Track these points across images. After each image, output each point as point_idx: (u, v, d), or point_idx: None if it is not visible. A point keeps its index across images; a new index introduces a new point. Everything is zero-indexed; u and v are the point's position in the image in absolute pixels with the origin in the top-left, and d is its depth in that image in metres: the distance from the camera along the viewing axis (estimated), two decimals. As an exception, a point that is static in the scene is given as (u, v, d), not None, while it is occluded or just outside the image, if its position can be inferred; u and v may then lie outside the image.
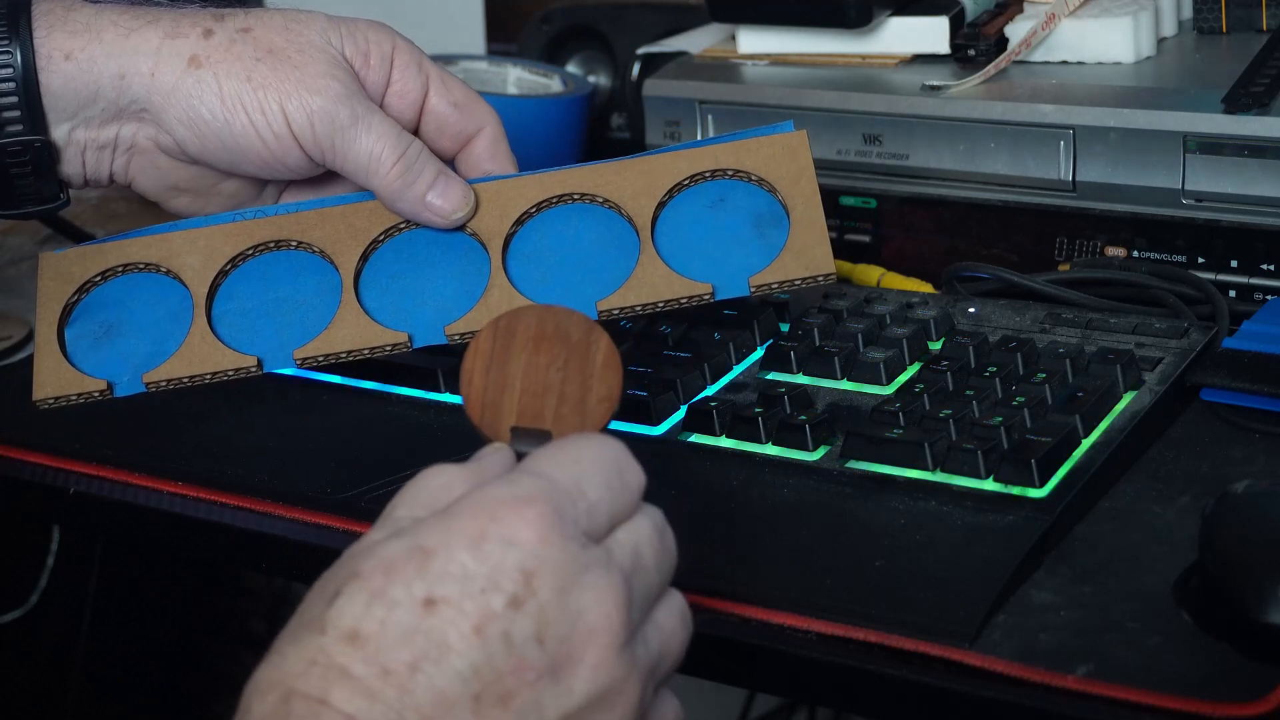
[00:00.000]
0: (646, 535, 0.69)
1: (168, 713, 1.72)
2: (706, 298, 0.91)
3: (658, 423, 0.96)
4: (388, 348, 0.91)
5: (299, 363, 0.91)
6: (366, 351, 0.91)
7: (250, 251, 0.94)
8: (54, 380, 0.92)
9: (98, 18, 0.93)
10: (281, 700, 0.62)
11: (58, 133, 0.93)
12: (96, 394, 0.92)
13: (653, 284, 0.91)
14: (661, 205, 0.93)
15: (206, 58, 0.92)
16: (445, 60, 1.38)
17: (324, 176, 0.98)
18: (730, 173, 0.94)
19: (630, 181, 0.94)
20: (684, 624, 0.70)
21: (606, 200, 0.93)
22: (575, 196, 0.94)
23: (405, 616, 0.62)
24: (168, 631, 1.75)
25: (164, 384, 0.91)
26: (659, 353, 1.01)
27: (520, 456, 0.70)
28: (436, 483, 0.68)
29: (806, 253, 0.91)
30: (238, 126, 0.92)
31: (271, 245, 0.95)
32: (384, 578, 0.63)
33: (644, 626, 0.67)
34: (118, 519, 1.02)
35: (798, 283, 0.91)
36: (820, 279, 0.91)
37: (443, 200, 0.93)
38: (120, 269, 0.95)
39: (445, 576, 0.63)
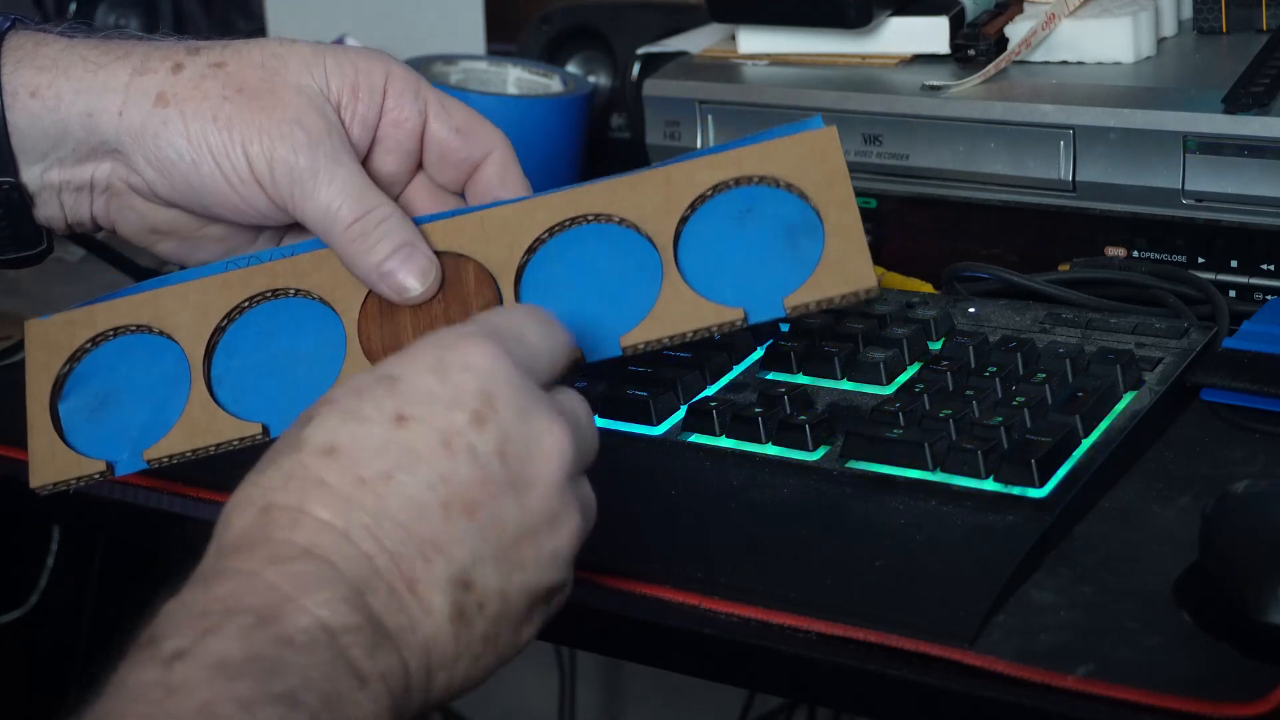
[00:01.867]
0: (583, 408, 0.74)
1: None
2: (739, 324, 0.84)
3: (658, 423, 0.96)
4: None
5: None
6: None
7: (246, 304, 0.88)
8: (50, 464, 0.87)
9: (67, 53, 0.88)
10: (261, 513, 0.67)
11: (29, 175, 0.88)
12: (96, 475, 0.87)
13: (679, 313, 0.84)
14: (684, 221, 0.86)
15: (174, 95, 0.86)
16: (445, 60, 1.38)
17: None
18: (756, 179, 0.86)
19: (648, 196, 0.86)
20: (593, 505, 0.75)
21: (624, 219, 0.86)
22: (589, 218, 0.87)
23: (378, 430, 0.68)
24: (168, 631, 1.74)
25: (166, 460, 0.86)
26: (659, 353, 1.01)
27: None
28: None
29: (844, 266, 0.83)
30: (205, 169, 0.86)
31: (268, 295, 0.88)
32: (355, 399, 0.68)
33: (580, 481, 0.73)
34: (118, 519, 1.02)
35: (836, 300, 0.83)
36: (861, 294, 0.82)
37: (402, 274, 0.85)
38: (111, 332, 0.89)
39: (413, 396, 0.68)
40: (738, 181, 0.86)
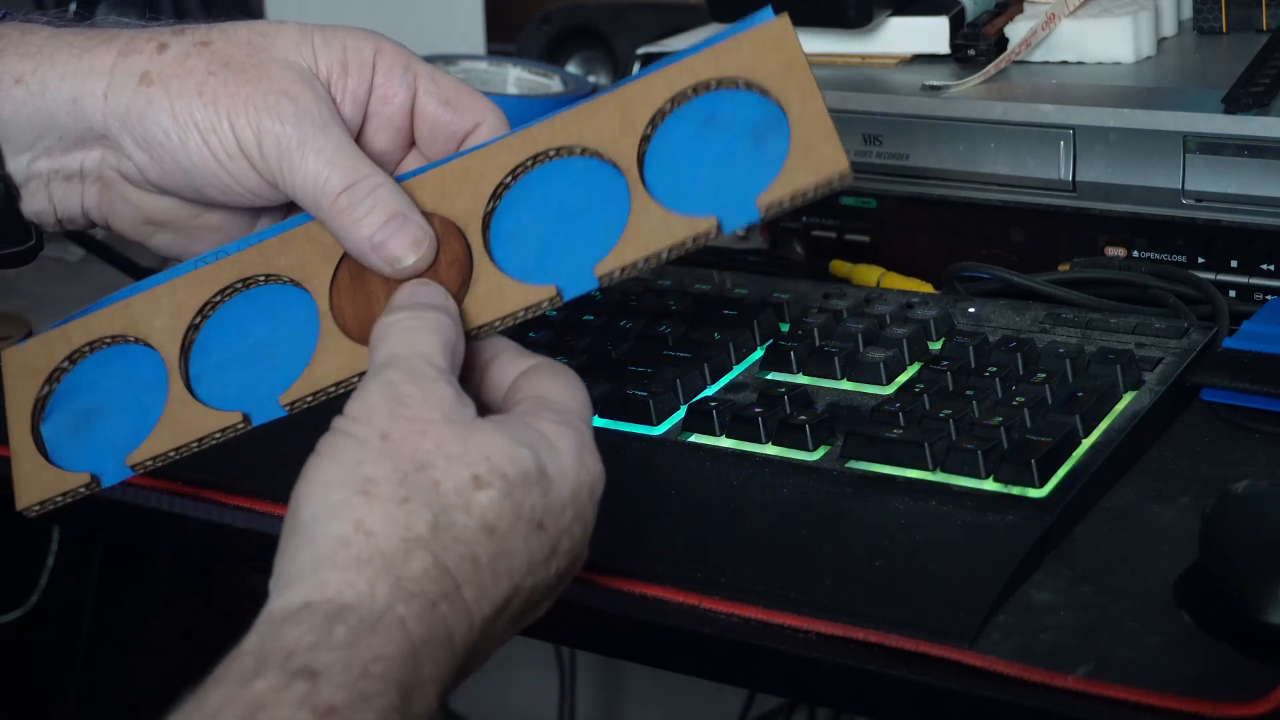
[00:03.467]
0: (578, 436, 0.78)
1: (168, 713, 1.72)
2: (714, 233, 0.79)
3: (658, 423, 0.96)
4: None
5: (288, 409, 0.84)
6: (356, 379, 0.83)
7: (217, 299, 0.86)
8: (35, 485, 0.85)
9: (53, 39, 0.86)
10: (434, 567, 0.71)
11: (15, 165, 0.87)
12: (82, 489, 0.85)
13: (650, 232, 0.80)
14: (645, 139, 0.82)
15: (158, 73, 0.85)
16: (445, 60, 1.38)
17: None
18: (714, 83, 0.82)
19: (606, 122, 0.83)
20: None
21: (585, 149, 0.83)
22: (551, 153, 0.83)
23: (522, 530, 0.73)
24: (168, 631, 1.75)
25: (149, 463, 0.84)
26: (659, 353, 1.01)
27: None
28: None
29: (813, 154, 0.78)
30: (192, 147, 0.84)
31: (239, 287, 0.86)
32: (522, 491, 0.73)
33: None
34: (118, 519, 1.02)
35: (810, 192, 0.78)
36: (835, 180, 0.78)
37: (394, 245, 0.82)
38: (87, 348, 0.88)
39: (553, 509, 0.75)
40: (695, 90, 0.83)
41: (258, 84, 0.84)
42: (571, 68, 1.44)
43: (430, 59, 1.36)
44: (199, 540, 1.00)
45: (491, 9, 1.52)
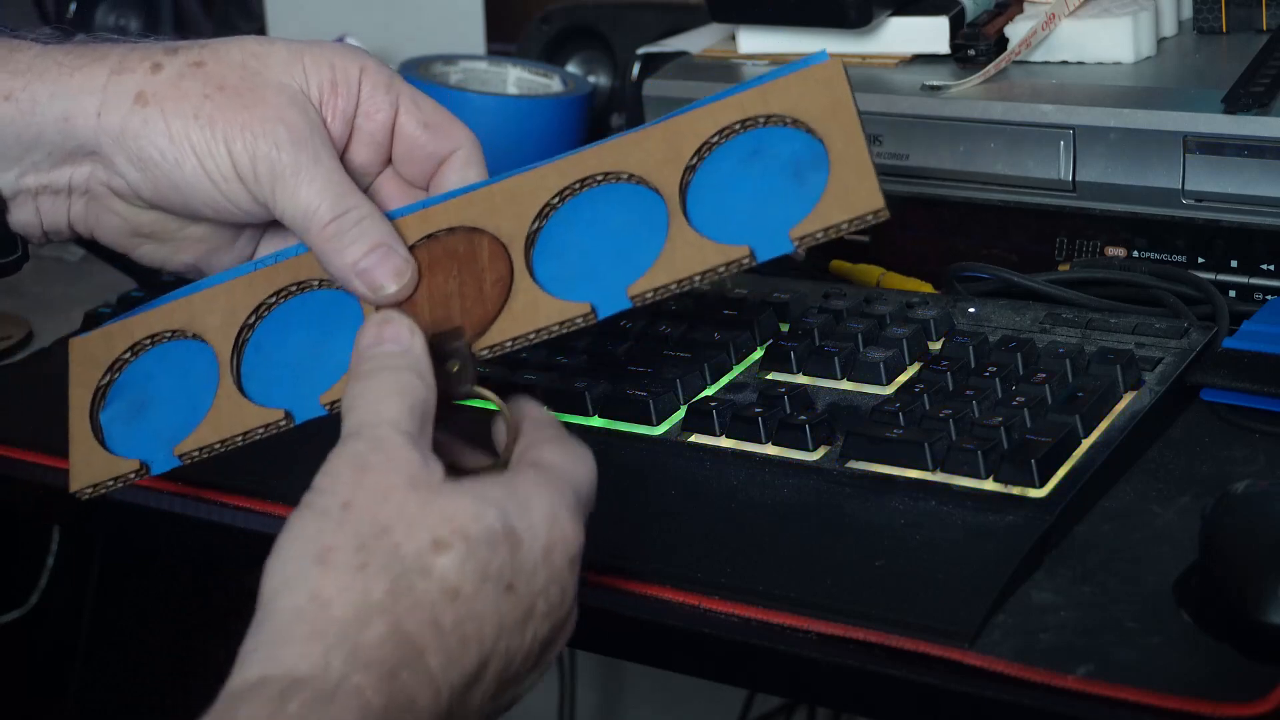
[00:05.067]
0: (587, 476, 0.78)
1: (168, 713, 1.72)
2: (746, 262, 0.81)
3: (658, 423, 0.96)
4: None
5: (329, 408, 0.86)
6: None
7: (273, 300, 0.89)
8: (88, 468, 0.88)
9: (42, 58, 0.88)
10: (392, 634, 0.70)
11: (4, 180, 0.88)
12: (132, 475, 0.88)
13: (685, 257, 0.82)
14: (690, 169, 0.84)
15: (153, 94, 0.86)
16: (445, 60, 1.38)
17: None
18: (762, 120, 0.84)
19: (653, 151, 0.85)
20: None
21: (631, 175, 0.85)
22: (598, 178, 0.86)
23: (490, 593, 0.72)
24: (168, 631, 1.75)
25: (196, 454, 0.87)
26: (659, 353, 1.01)
27: (445, 356, 0.83)
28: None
29: (849, 192, 0.81)
30: (188, 168, 0.86)
31: (294, 290, 0.89)
32: (487, 550, 0.73)
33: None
34: (118, 519, 1.02)
35: (844, 226, 0.80)
36: (869, 218, 0.80)
37: (379, 273, 0.85)
38: (148, 341, 0.90)
39: (523, 569, 0.74)
40: (744, 125, 0.85)
41: (254, 109, 0.86)
42: (571, 68, 1.44)
43: (430, 59, 1.37)
44: (199, 540, 1.00)
45: (491, 9, 1.52)
